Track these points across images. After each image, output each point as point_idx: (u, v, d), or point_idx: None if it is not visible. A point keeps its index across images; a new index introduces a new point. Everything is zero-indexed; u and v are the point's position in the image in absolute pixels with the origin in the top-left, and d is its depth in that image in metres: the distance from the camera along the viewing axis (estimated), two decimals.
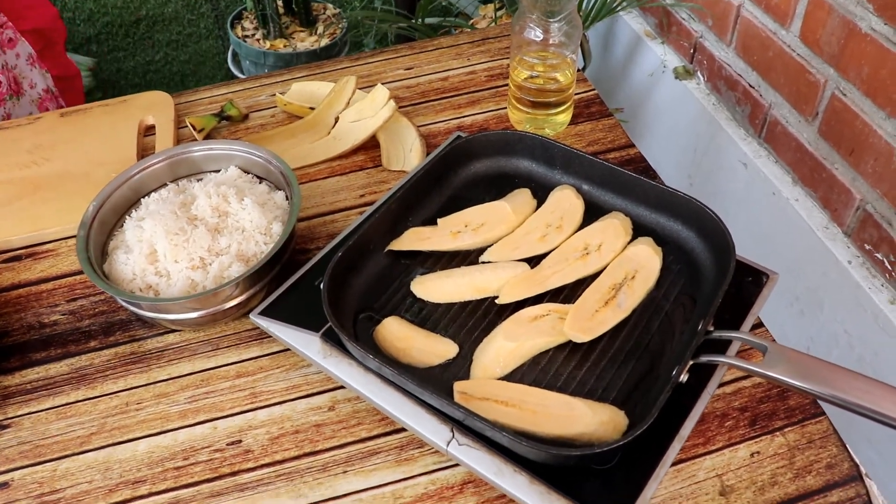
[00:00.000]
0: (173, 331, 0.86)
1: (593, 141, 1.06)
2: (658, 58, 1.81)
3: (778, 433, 0.76)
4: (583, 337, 0.74)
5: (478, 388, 0.71)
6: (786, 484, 0.72)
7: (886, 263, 1.30)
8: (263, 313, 0.80)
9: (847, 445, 0.75)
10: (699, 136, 1.68)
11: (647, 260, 0.80)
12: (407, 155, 1.02)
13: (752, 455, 0.74)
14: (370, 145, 1.03)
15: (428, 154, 1.04)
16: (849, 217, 1.36)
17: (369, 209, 0.89)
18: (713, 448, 0.74)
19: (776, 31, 1.43)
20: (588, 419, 0.68)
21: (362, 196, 1.00)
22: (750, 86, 1.53)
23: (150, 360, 0.84)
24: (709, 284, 0.79)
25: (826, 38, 1.31)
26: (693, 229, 0.83)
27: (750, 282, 0.80)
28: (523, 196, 0.88)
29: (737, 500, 0.72)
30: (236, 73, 2.60)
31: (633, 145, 1.05)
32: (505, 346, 0.73)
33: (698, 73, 1.71)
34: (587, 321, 0.75)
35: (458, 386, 0.71)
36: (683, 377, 0.69)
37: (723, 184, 1.64)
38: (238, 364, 0.82)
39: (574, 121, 1.08)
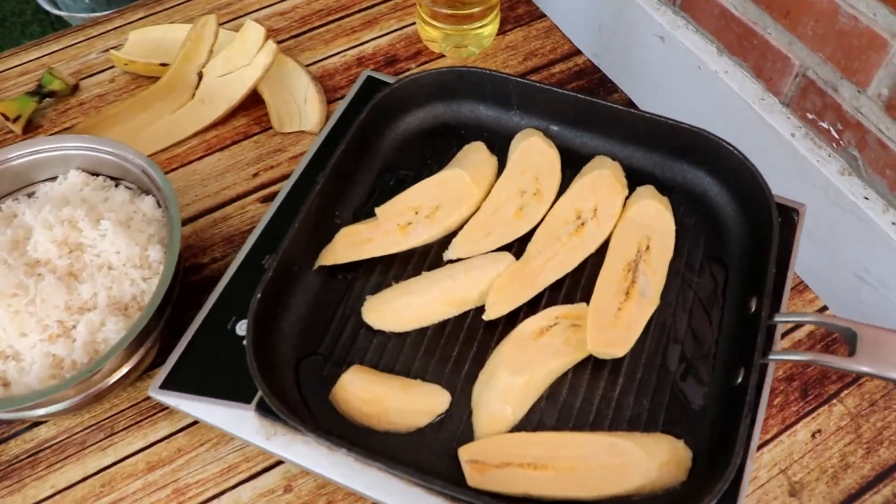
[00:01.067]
0: (45, 421, 0.61)
1: (530, 53, 0.83)
2: None
3: (835, 401, 0.62)
4: (616, 352, 0.54)
5: (492, 452, 0.51)
6: (858, 465, 0.60)
7: (833, 132, 1.16)
8: (166, 386, 0.56)
9: None
10: (603, 11, 1.47)
11: (657, 219, 0.61)
12: (302, 109, 0.77)
13: (813, 436, 0.60)
14: (251, 103, 0.78)
15: (330, 103, 0.78)
16: (787, 86, 1.20)
17: (276, 202, 0.64)
18: (768, 437, 0.62)
19: None
20: (645, 464, 0.50)
21: (256, 175, 0.74)
22: None
23: (22, 471, 0.59)
24: (737, 240, 0.61)
25: None
26: (703, 168, 0.64)
27: (780, 224, 0.61)
28: (479, 154, 0.66)
29: (809, 498, 0.57)
30: (48, 7, 2.04)
31: (579, 51, 0.83)
32: (512, 384, 0.53)
33: None
34: (613, 328, 0.55)
35: (466, 453, 0.51)
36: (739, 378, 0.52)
37: (637, 63, 1.44)
38: (146, 451, 0.60)
39: (501, 29, 0.84)
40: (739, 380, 0.52)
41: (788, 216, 0.63)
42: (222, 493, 0.57)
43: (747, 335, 0.53)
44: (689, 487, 0.51)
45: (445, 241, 0.62)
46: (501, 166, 0.65)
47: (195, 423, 0.60)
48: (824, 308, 0.67)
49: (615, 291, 0.57)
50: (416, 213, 0.61)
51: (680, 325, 0.58)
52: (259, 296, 0.53)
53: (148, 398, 0.60)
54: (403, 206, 0.62)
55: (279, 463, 0.58)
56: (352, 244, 0.60)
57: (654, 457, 0.51)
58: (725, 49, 1.27)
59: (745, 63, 1.25)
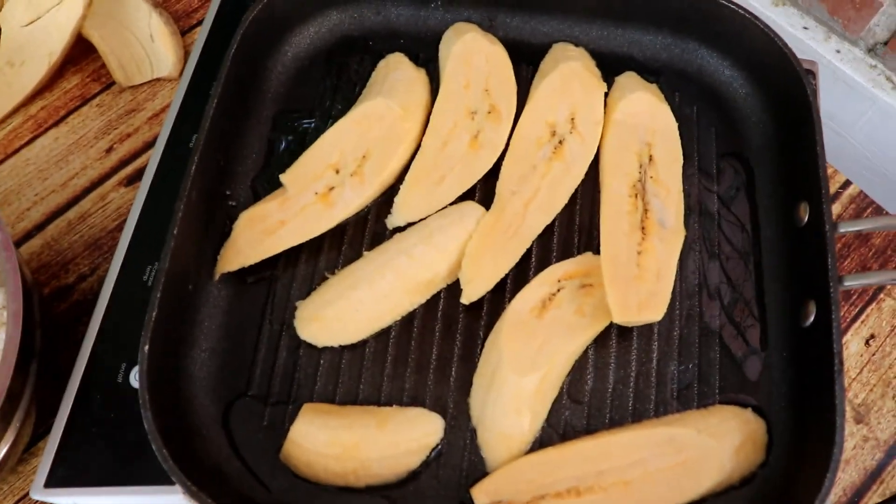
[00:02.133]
0: None
1: None
2: None
3: (882, 295, 0.50)
4: (652, 315, 0.39)
5: (516, 485, 0.36)
6: None
7: None
8: (54, 482, 0.40)
9: None
10: None
11: (652, 116, 0.45)
12: (149, 49, 0.56)
13: (867, 343, 0.49)
14: (80, 54, 0.58)
15: (184, 34, 0.58)
16: None
17: (143, 183, 0.46)
18: None
19: None
20: (716, 454, 0.37)
21: (110, 150, 0.55)
22: None
23: None
24: (755, 127, 0.47)
25: None
26: (696, 38, 0.49)
27: (794, 90, 0.46)
28: (401, 71, 0.47)
29: (878, 420, 0.47)
30: None
31: None
32: (523, 387, 0.38)
33: None
34: (639, 282, 0.40)
35: (481, 495, 0.36)
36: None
37: None
38: None
39: None
40: (812, 318, 0.38)
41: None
42: None
43: (806, 254, 0.40)
44: (773, 472, 0.38)
45: (386, 203, 0.44)
46: (435, 84, 0.48)
47: None
48: (847, 183, 0.54)
49: (628, 229, 0.41)
50: (338, 171, 0.44)
51: (710, 254, 0.43)
52: (147, 346, 0.35)
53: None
54: (318, 164, 0.44)
55: None
56: (259, 234, 0.42)
57: (725, 441, 0.37)
58: None
59: None
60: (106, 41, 0.56)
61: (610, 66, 0.48)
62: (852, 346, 0.49)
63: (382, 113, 0.44)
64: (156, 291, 0.37)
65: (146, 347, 0.35)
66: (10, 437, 0.41)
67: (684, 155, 0.45)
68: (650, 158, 0.44)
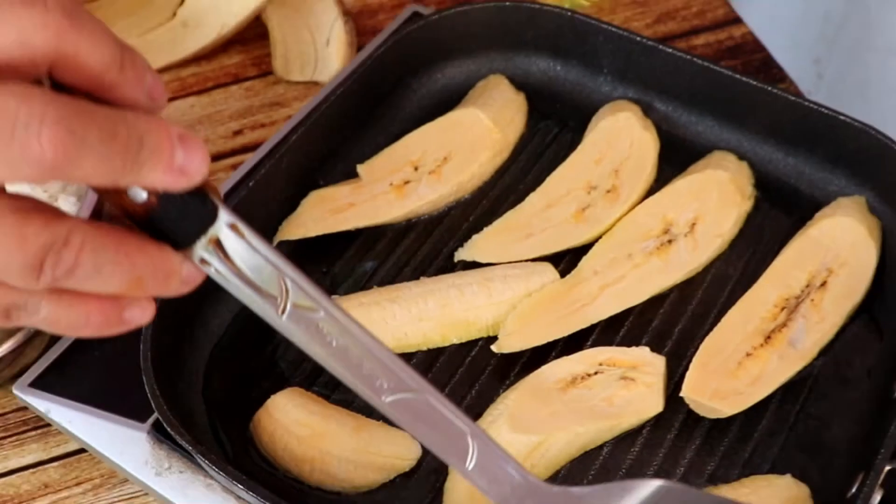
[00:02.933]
0: None
1: (665, 14, 0.87)
2: None
3: None
4: (723, 409, 0.57)
5: None
6: None
7: None
8: (39, 384, 0.62)
9: None
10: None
11: (853, 248, 0.63)
12: (321, 52, 0.83)
13: None
14: (251, 36, 0.87)
15: (361, 49, 0.84)
16: None
17: (244, 165, 0.70)
18: None
19: None
20: None
21: (238, 133, 0.81)
22: None
23: None
24: None
25: None
26: (869, 187, 0.66)
27: None
28: (500, 90, 0.72)
29: None
30: None
31: (738, 20, 0.87)
32: (513, 446, 0.55)
33: None
34: (728, 377, 0.58)
35: None
36: (876, 497, 0.53)
37: (875, 76, 1.46)
38: (1, 479, 0.65)
39: None
40: (854, 489, 0.53)
41: None
42: None
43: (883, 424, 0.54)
44: None
45: (461, 229, 0.67)
46: (570, 149, 0.69)
47: (76, 452, 0.65)
48: None
49: (751, 330, 0.59)
50: (416, 168, 0.67)
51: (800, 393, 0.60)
52: None
53: (19, 409, 0.66)
54: (399, 159, 0.68)
55: None
56: (325, 212, 0.65)
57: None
58: None
59: None
60: (281, 29, 0.84)
61: (768, 189, 0.67)
62: None
63: (472, 122, 0.68)
64: None
65: None
66: (7, 346, 0.64)
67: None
68: (823, 283, 0.61)
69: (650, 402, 0.58)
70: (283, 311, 0.39)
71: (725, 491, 0.55)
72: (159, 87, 0.38)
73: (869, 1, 1.45)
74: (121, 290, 0.37)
